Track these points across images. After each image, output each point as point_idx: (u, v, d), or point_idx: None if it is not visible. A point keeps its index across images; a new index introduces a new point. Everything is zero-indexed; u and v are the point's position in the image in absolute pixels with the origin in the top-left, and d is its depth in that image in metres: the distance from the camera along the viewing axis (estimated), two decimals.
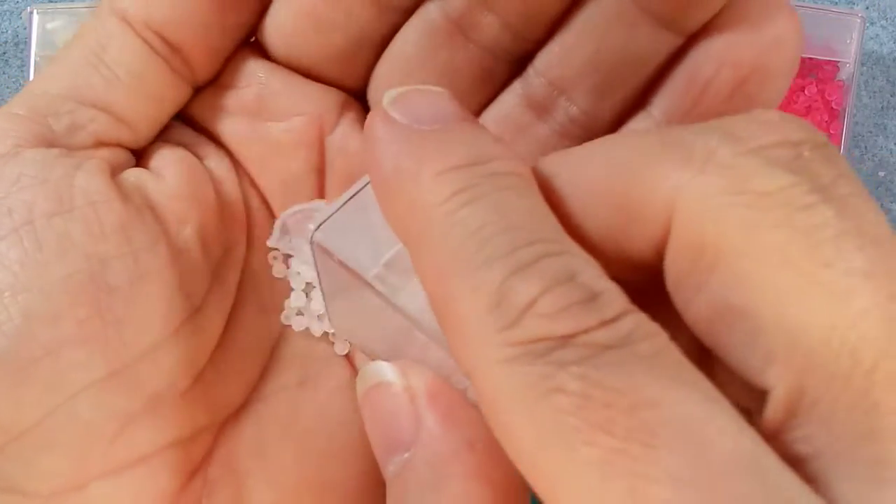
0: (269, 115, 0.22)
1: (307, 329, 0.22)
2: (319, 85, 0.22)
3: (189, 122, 0.22)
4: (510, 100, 0.22)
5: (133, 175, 0.20)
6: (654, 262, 0.15)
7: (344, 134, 0.22)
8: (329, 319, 0.21)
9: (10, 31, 0.46)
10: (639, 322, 0.13)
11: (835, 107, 0.39)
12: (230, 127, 0.22)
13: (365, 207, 0.18)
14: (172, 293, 0.20)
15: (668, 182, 0.14)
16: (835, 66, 0.39)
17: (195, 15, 0.20)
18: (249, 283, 0.22)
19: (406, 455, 0.16)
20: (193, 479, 0.20)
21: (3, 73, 0.45)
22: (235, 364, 0.21)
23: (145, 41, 0.20)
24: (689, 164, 0.14)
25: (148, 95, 0.21)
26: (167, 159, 0.21)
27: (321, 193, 0.23)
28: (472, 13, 0.21)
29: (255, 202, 0.22)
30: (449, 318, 0.14)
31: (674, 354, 0.13)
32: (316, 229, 0.18)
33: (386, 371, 0.18)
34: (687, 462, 0.12)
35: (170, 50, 0.21)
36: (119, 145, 0.21)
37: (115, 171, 0.20)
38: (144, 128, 0.21)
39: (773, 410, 0.13)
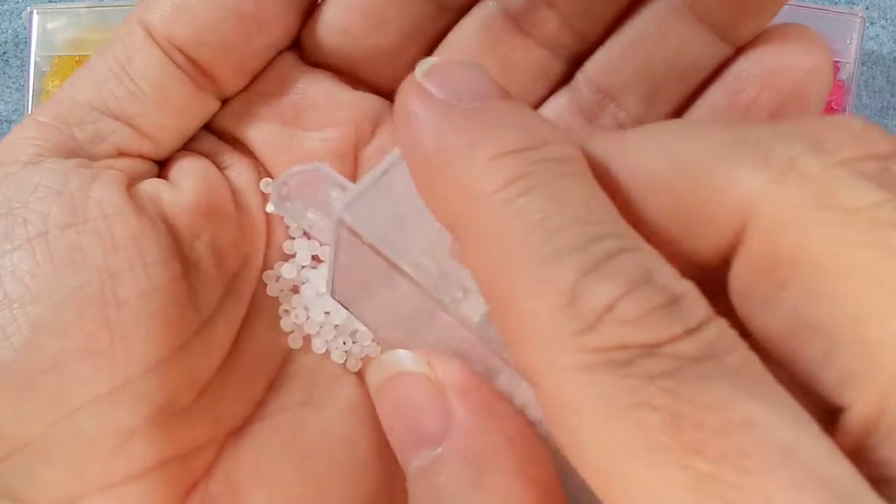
0: (304, 124, 0.22)
1: (310, 345, 0.22)
2: (358, 93, 0.22)
3: (219, 129, 0.22)
4: (559, 104, 0.22)
5: (150, 186, 0.20)
6: (713, 265, 0.14)
7: (380, 147, 0.22)
8: (331, 291, 0.20)
9: (10, 31, 0.46)
10: (722, 330, 0.12)
11: (835, 107, 0.39)
12: (263, 134, 0.22)
13: (393, 185, 0.17)
14: (182, 307, 0.19)
15: (742, 187, 0.13)
16: (835, 66, 0.39)
17: (219, 36, 0.20)
18: (263, 297, 0.22)
19: (436, 450, 0.15)
20: (192, 494, 0.20)
21: (3, 73, 0.45)
22: (242, 380, 0.21)
23: (170, 57, 0.20)
24: (767, 169, 0.13)
25: (172, 109, 0.21)
26: (186, 170, 0.21)
27: None
28: (532, 9, 0.21)
29: (278, 216, 0.22)
30: (509, 315, 0.13)
31: (758, 367, 0.12)
32: (344, 209, 0.16)
33: (407, 360, 0.16)
34: (784, 490, 0.11)
35: (194, 67, 0.20)
36: (140, 156, 0.21)
37: (133, 182, 0.20)
38: (167, 140, 0.21)
39: (849, 428, 0.13)
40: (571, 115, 0.22)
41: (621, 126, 0.21)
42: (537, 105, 0.22)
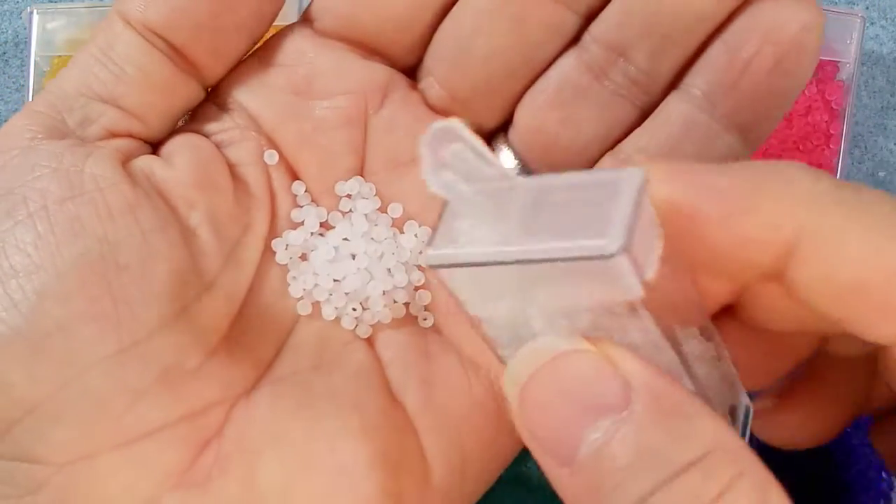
0: (314, 93, 0.23)
1: (319, 311, 0.22)
2: (367, 62, 0.23)
3: (227, 102, 0.23)
4: (568, 63, 0.22)
5: (143, 162, 0.21)
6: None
7: (390, 115, 0.23)
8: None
9: (10, 31, 0.46)
10: None
11: (835, 107, 0.39)
12: (273, 105, 0.23)
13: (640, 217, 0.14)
14: (183, 272, 0.20)
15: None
16: (835, 65, 0.38)
17: (189, 17, 0.21)
18: (271, 265, 0.22)
19: (621, 414, 0.15)
20: (204, 453, 0.20)
21: (3, 73, 0.45)
22: (249, 343, 0.21)
23: (148, 41, 0.21)
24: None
25: (155, 89, 0.21)
26: (179, 147, 0.22)
27: (360, 174, 0.23)
28: None
29: (284, 184, 0.23)
30: None
31: None
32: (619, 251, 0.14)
33: (560, 343, 0.15)
34: None
35: (172, 50, 0.21)
36: (130, 136, 0.21)
37: (126, 159, 0.21)
38: (155, 120, 0.22)
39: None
40: (580, 73, 0.22)
41: (632, 81, 0.22)
42: (548, 63, 0.23)
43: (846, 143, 0.39)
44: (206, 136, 0.23)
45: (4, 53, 0.46)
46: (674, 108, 0.22)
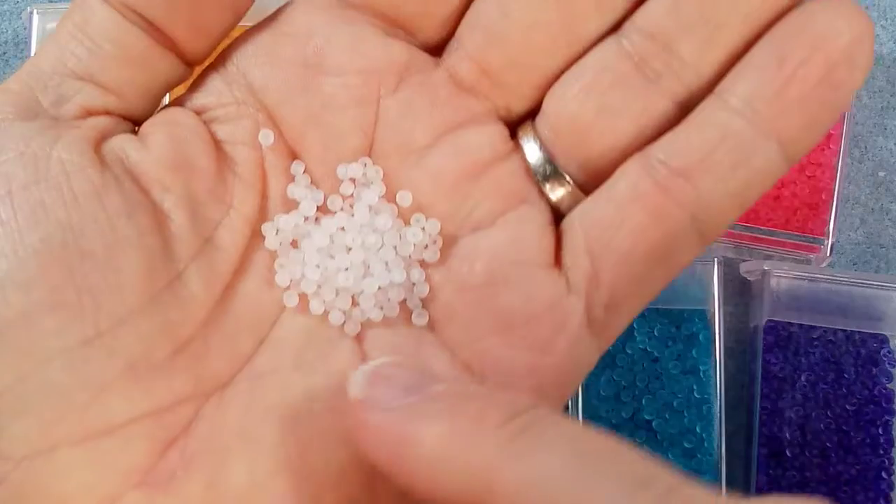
0: (325, 69, 0.21)
1: (307, 304, 0.21)
2: (386, 39, 0.21)
3: (230, 70, 0.22)
4: (608, 49, 0.21)
5: (116, 144, 0.20)
6: None
7: (406, 97, 0.22)
8: None
9: (10, 31, 0.46)
10: None
11: None
12: (279, 77, 0.21)
13: None
14: (152, 259, 0.19)
15: None
16: None
17: None
18: (259, 251, 0.21)
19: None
20: (170, 450, 0.20)
21: (3, 73, 0.45)
22: (227, 336, 0.21)
23: (124, 16, 0.20)
24: None
25: (133, 65, 0.21)
26: (156, 125, 0.21)
27: (367, 154, 0.22)
28: None
29: (282, 165, 0.22)
30: None
31: None
32: None
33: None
34: None
35: (149, 25, 0.20)
36: (107, 113, 0.21)
37: (101, 139, 0.20)
38: (133, 95, 0.21)
39: None
40: (620, 60, 0.21)
41: (675, 74, 0.21)
42: (590, 44, 0.21)
43: (846, 143, 0.39)
44: (202, 108, 0.22)
45: (4, 53, 0.46)
46: (711, 114, 0.20)
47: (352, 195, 0.22)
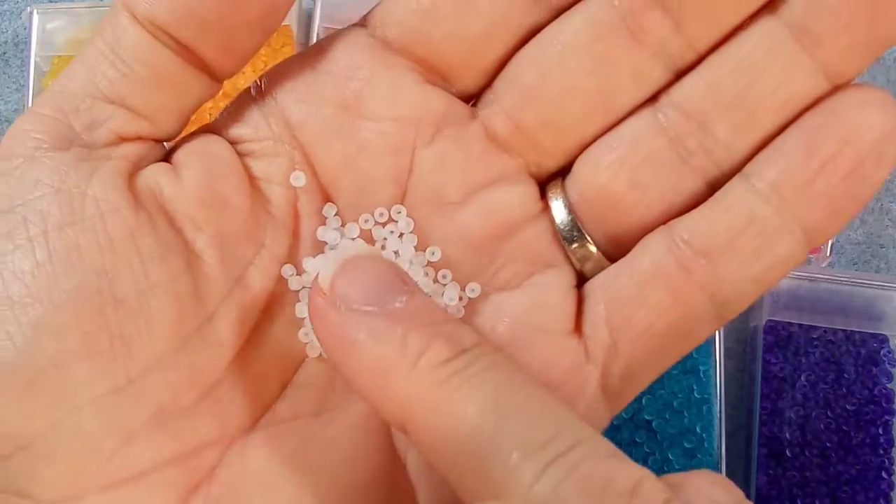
0: (363, 112, 0.21)
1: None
2: (425, 87, 0.21)
3: (269, 104, 0.22)
4: (643, 123, 0.21)
5: (152, 178, 0.20)
6: None
7: (441, 149, 0.22)
8: None
9: (10, 31, 0.46)
10: None
11: None
12: (318, 118, 0.21)
13: None
14: (183, 303, 0.19)
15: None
16: None
17: (196, 16, 0.20)
18: (288, 293, 0.21)
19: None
20: (194, 495, 0.20)
21: (3, 73, 0.45)
22: (252, 381, 0.21)
23: (155, 37, 0.20)
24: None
25: (165, 88, 0.20)
26: (191, 156, 0.21)
27: (398, 202, 0.22)
28: (644, 9, 0.20)
29: (314, 207, 0.22)
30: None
31: None
32: None
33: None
34: None
35: (180, 47, 0.20)
36: (140, 138, 0.21)
37: (136, 168, 0.20)
38: (165, 119, 0.21)
39: None
40: (654, 135, 0.21)
41: (707, 153, 0.21)
42: (625, 113, 0.21)
43: None
44: (237, 139, 0.22)
45: (4, 53, 0.46)
46: (739, 197, 0.20)
47: (383, 246, 0.22)
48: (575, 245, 0.22)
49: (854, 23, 0.20)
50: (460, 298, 0.22)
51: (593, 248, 0.22)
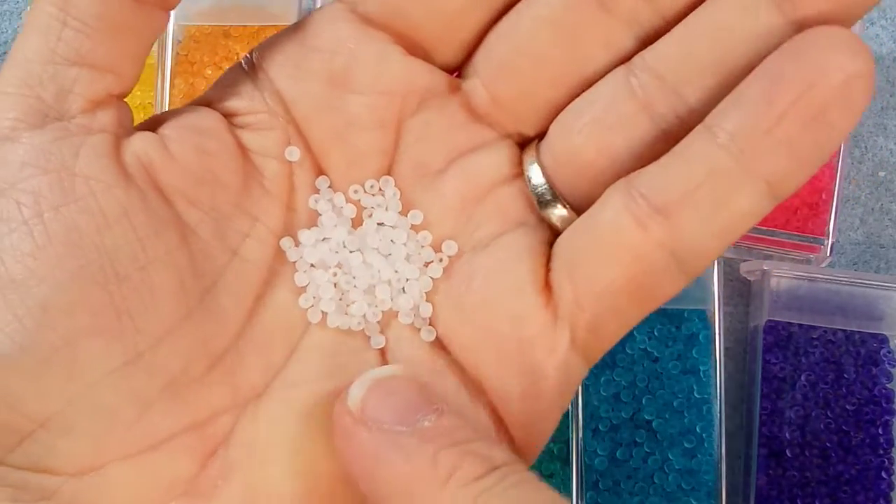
0: (350, 86, 0.22)
1: (327, 319, 0.22)
2: (409, 60, 0.22)
3: (261, 78, 0.22)
4: (615, 86, 0.21)
5: (141, 149, 0.20)
6: None
7: (425, 120, 0.22)
8: None
9: (10, 32, 0.46)
10: None
11: None
12: (307, 92, 0.22)
13: None
14: (183, 276, 0.20)
15: None
16: None
17: None
18: (286, 264, 0.22)
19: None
20: (210, 461, 0.20)
21: None
22: (259, 348, 0.21)
23: None
24: None
25: (122, 33, 0.20)
26: (182, 130, 0.21)
27: (387, 174, 0.23)
28: None
29: (307, 179, 0.22)
30: None
31: None
32: None
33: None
34: None
35: None
36: (110, 97, 0.20)
37: (119, 138, 0.20)
38: (128, 68, 0.21)
39: None
40: (626, 99, 0.21)
41: (678, 118, 0.21)
42: (597, 77, 0.22)
43: (846, 143, 0.39)
44: (231, 112, 0.22)
45: (5, 53, 0.46)
46: (699, 149, 0.20)
47: (370, 214, 0.23)
48: (549, 205, 0.22)
49: None
50: (440, 260, 0.23)
51: (565, 211, 0.22)
